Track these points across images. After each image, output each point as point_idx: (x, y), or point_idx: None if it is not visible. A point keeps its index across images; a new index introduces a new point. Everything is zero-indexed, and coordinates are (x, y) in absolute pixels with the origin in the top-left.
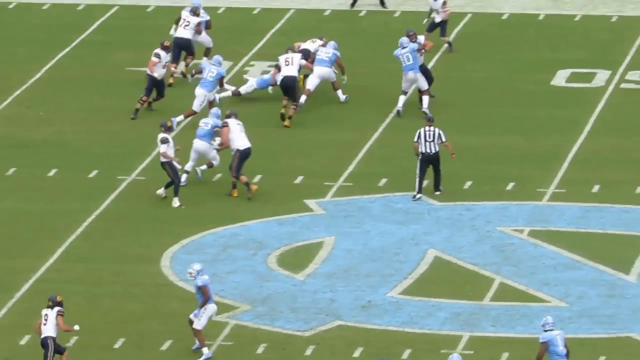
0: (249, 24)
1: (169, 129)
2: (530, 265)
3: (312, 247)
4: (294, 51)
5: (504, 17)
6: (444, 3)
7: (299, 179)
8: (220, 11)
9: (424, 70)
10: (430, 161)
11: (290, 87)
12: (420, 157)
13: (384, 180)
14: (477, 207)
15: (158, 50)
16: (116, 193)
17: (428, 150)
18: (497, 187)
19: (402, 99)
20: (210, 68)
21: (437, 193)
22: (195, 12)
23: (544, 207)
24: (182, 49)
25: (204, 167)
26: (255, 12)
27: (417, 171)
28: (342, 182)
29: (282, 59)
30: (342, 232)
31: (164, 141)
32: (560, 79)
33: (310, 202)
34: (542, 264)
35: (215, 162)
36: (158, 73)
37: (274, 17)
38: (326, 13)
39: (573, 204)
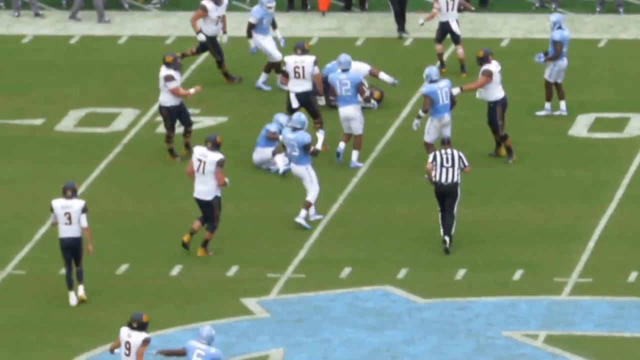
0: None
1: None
2: None
3: None
4: (303, 51)
5: (503, 43)
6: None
7: (233, 270)
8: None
9: None
10: (445, 195)
11: (307, 103)
12: (434, 189)
13: (347, 270)
14: (473, 305)
15: (204, 2)
16: None
17: (443, 180)
18: (500, 276)
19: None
20: None
21: (447, 240)
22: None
23: (564, 303)
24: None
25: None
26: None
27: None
28: (290, 273)
29: (290, 62)
30: (293, 342)
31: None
32: (581, 126)
33: (249, 302)
34: None
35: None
36: (209, 29)
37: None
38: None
39: (603, 298)
